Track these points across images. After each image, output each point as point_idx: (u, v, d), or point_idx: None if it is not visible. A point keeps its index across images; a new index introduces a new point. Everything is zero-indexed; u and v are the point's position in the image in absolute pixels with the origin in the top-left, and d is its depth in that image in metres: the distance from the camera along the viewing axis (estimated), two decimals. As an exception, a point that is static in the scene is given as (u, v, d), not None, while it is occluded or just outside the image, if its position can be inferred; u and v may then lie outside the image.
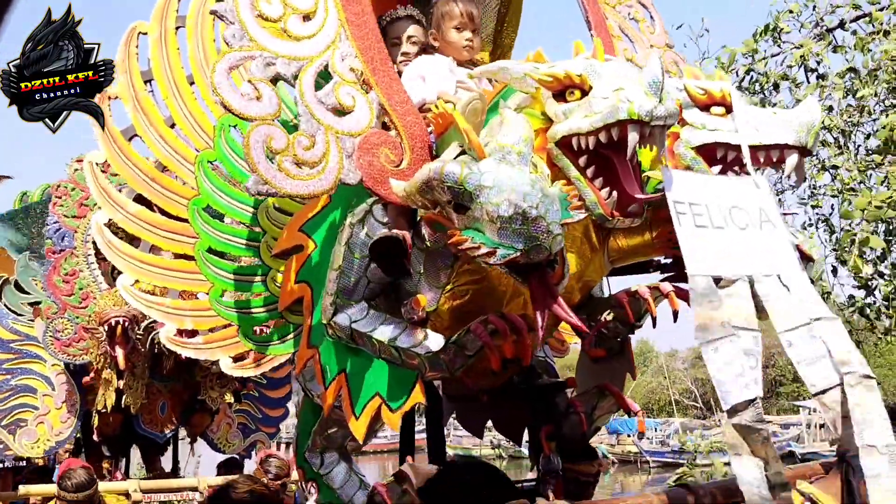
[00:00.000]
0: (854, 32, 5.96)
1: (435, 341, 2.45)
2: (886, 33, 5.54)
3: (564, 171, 2.16)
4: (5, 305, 5.87)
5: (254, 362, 3.05)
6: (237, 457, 6.21)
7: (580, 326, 2.23)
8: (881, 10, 5.66)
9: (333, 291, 2.65)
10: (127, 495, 4.95)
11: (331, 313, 2.66)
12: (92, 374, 5.21)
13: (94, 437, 5.43)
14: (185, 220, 3.06)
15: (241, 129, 3.09)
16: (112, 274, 5.75)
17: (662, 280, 2.73)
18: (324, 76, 2.47)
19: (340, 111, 2.40)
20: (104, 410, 5.17)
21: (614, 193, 2.09)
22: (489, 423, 3.38)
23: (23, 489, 4.96)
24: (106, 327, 4.86)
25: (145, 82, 3.14)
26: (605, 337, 2.87)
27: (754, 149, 2.25)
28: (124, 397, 5.10)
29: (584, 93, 2.12)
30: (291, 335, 3.05)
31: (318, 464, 3.12)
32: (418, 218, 2.50)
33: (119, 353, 4.85)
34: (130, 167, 3.06)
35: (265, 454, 4.96)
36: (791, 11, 6.08)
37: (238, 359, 3.15)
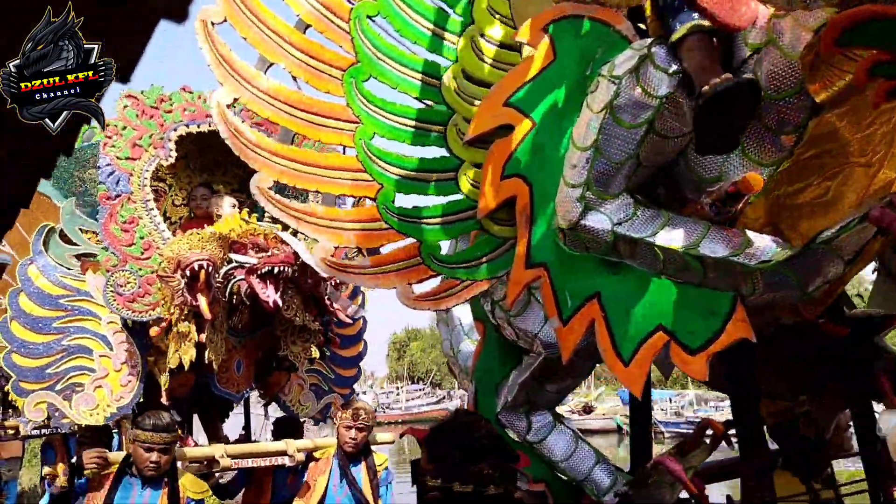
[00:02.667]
0: None
1: (769, 246, 1.63)
2: None
3: None
4: (51, 258, 5.08)
5: (441, 292, 2.21)
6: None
7: None
8: None
9: (582, 181, 1.84)
10: (213, 461, 4.24)
11: (577, 214, 1.84)
12: (159, 328, 4.40)
13: (163, 400, 4.59)
14: (340, 98, 2.21)
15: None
16: (166, 216, 5.00)
17: None
18: None
19: None
20: (178, 369, 4.36)
21: None
22: None
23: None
24: (188, 272, 4.04)
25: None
26: None
27: None
28: (207, 352, 4.28)
29: None
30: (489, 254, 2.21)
31: (524, 428, 2.32)
32: (746, 55, 1.66)
33: (202, 301, 4.03)
34: (260, 27, 2.20)
35: (355, 406, 4.27)
36: None
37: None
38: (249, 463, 4.47)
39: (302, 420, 5.50)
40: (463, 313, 3.08)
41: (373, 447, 4.42)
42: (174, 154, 4.57)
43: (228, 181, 5.52)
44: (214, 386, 4.71)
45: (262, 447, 4.67)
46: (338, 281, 4.43)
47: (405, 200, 2.23)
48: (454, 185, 2.22)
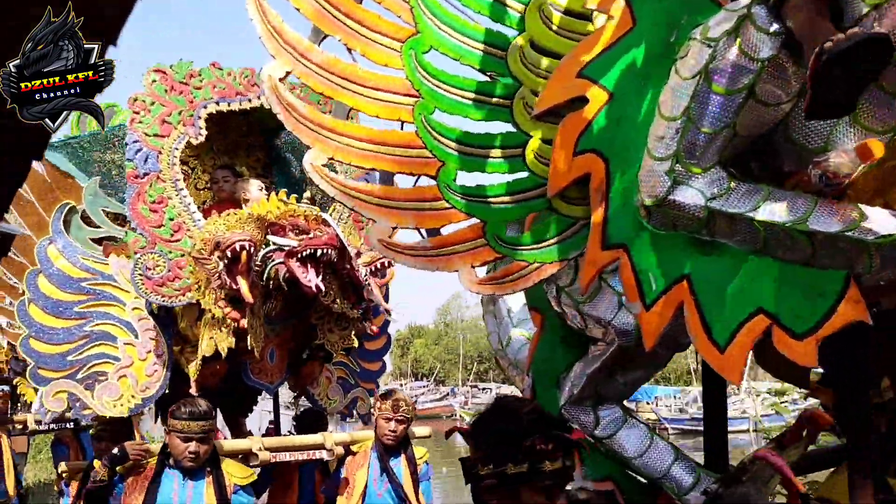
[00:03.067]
0: None
1: (888, 219, 1.50)
2: None
3: None
4: (72, 239, 4.86)
5: (507, 276, 2.07)
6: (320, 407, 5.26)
7: None
8: None
9: (670, 153, 1.71)
10: (249, 455, 4.09)
11: (665, 189, 1.72)
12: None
13: (192, 391, 4.33)
14: (399, 72, 2.07)
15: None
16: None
17: None
18: None
19: None
20: (212, 358, 4.17)
21: None
22: None
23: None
24: (228, 253, 3.84)
25: None
26: None
27: None
28: (248, 339, 4.07)
29: None
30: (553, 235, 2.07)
31: (592, 423, 2.19)
32: (863, 11, 1.52)
33: (242, 284, 3.82)
34: (311, -4, 2.07)
35: (394, 397, 4.09)
36: None
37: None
38: (287, 457, 4.30)
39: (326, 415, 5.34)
40: (511, 304, 2.94)
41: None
42: (204, 132, 4.37)
43: (252, 164, 5.34)
44: (247, 376, 4.52)
45: (300, 440, 4.49)
46: (369, 272, 4.25)
47: (467, 178, 2.10)
48: (521, 161, 2.08)
